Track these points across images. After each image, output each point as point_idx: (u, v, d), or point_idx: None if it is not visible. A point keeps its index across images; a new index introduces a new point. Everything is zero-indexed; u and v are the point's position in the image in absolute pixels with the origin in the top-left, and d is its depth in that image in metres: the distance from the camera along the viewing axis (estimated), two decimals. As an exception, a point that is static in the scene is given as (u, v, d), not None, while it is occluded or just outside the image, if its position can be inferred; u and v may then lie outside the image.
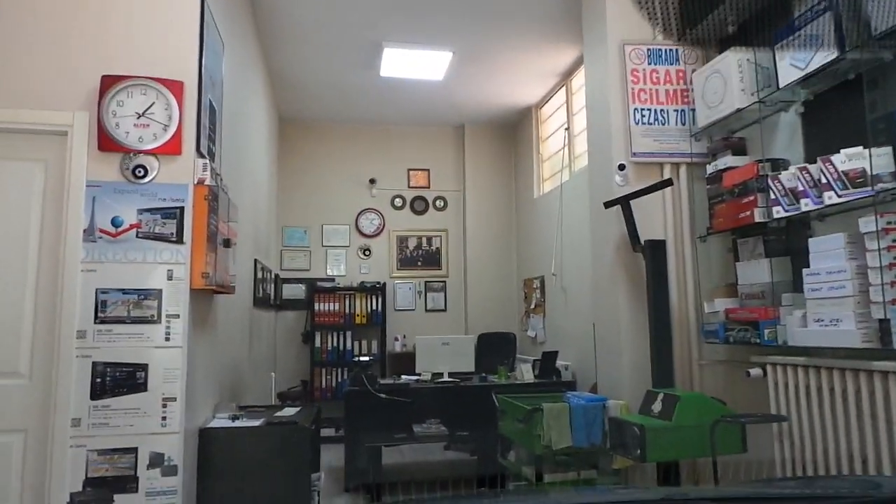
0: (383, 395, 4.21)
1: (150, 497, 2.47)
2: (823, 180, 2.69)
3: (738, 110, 3.26)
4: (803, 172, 2.82)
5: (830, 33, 2.72)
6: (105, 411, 2.48)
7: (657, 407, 2.89)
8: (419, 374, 4.68)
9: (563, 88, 5.94)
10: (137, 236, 2.58)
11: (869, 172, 2.51)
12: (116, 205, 2.57)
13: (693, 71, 3.70)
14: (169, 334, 2.56)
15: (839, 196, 2.63)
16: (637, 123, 3.70)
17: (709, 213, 3.50)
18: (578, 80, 5.55)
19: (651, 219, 3.64)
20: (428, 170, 7.12)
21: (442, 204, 7.10)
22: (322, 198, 6.85)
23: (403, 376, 4.86)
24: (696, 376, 3.53)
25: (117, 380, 2.50)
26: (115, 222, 2.57)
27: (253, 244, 4.66)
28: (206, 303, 2.99)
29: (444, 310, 6.94)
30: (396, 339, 6.57)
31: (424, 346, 4.74)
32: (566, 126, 5.86)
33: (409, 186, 7.06)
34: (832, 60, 2.71)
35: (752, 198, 3.11)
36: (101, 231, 2.56)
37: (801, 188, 2.84)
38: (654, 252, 3.42)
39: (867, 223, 2.47)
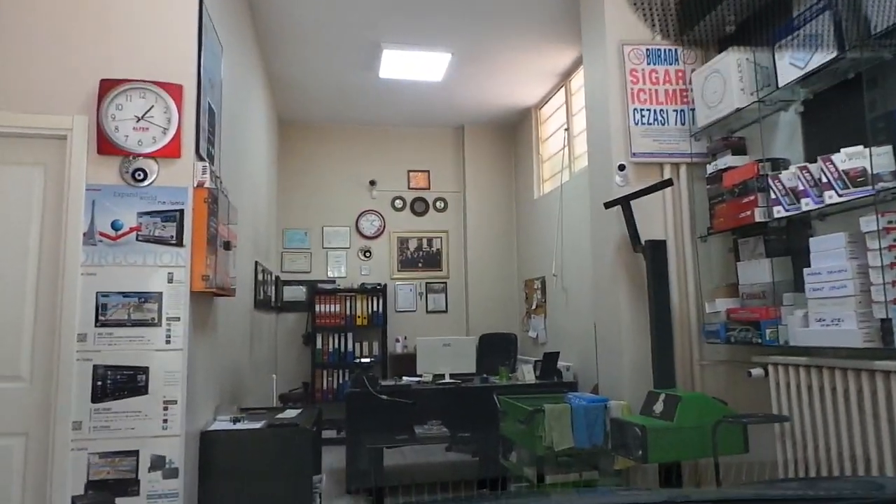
0: (384, 397, 4.20)
1: (151, 500, 2.47)
2: (824, 179, 2.68)
3: (738, 110, 3.26)
4: (803, 172, 2.82)
5: (830, 32, 2.72)
6: (106, 414, 2.48)
7: (659, 407, 2.89)
8: (420, 376, 4.67)
9: (563, 89, 5.94)
10: (137, 239, 2.58)
11: (869, 171, 2.51)
12: (116, 208, 2.58)
13: (692, 71, 3.70)
14: (169, 337, 2.56)
15: (840, 195, 2.62)
16: (637, 124, 3.70)
17: (709, 213, 3.50)
18: (578, 80, 5.54)
19: (651, 219, 3.64)
20: (428, 171, 7.11)
21: (442, 205, 7.10)
22: (322, 199, 6.85)
23: (405, 378, 4.85)
24: (697, 376, 3.53)
25: (118, 383, 2.50)
26: (115, 225, 2.57)
27: (253, 246, 4.66)
28: (206, 305, 2.99)
29: (445, 311, 6.94)
30: (397, 341, 6.56)
31: (425, 347, 4.73)
32: (566, 126, 5.86)
33: (409, 188, 7.06)
34: (832, 59, 2.71)
35: (752, 197, 3.11)
36: (101, 234, 2.56)
37: (801, 187, 2.83)
38: (655, 252, 3.42)
39: (868, 222, 2.47)
